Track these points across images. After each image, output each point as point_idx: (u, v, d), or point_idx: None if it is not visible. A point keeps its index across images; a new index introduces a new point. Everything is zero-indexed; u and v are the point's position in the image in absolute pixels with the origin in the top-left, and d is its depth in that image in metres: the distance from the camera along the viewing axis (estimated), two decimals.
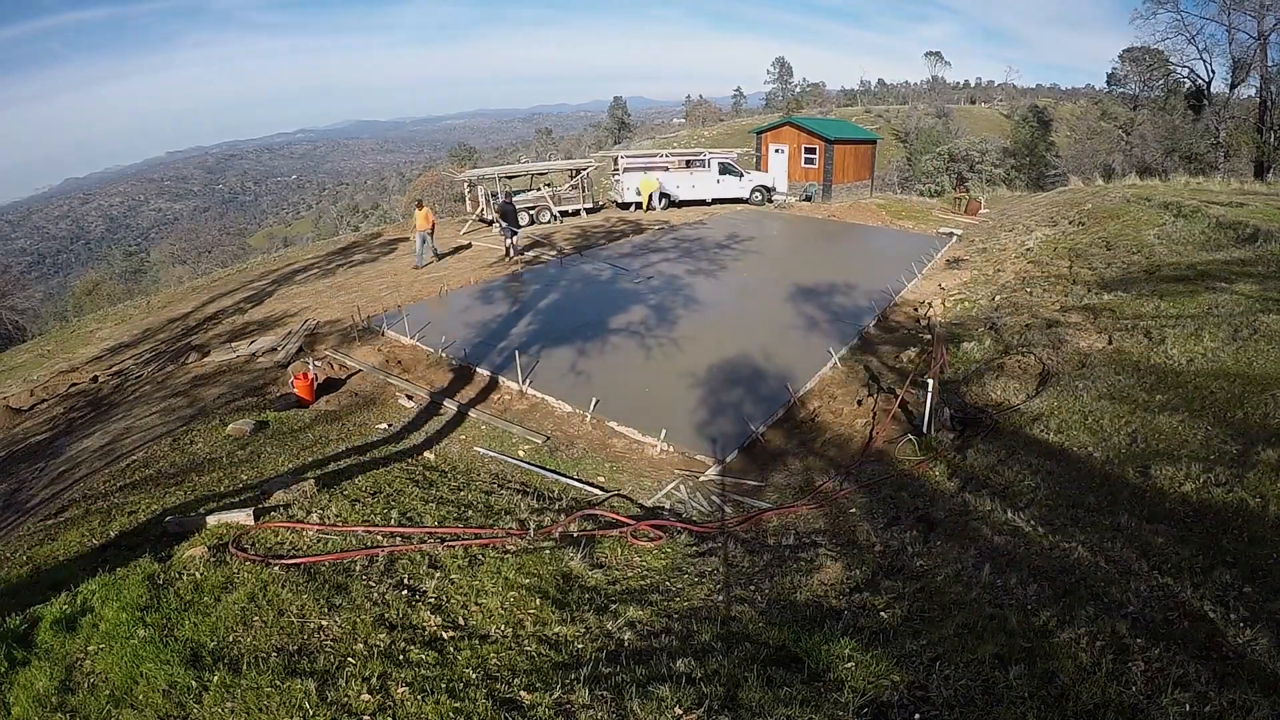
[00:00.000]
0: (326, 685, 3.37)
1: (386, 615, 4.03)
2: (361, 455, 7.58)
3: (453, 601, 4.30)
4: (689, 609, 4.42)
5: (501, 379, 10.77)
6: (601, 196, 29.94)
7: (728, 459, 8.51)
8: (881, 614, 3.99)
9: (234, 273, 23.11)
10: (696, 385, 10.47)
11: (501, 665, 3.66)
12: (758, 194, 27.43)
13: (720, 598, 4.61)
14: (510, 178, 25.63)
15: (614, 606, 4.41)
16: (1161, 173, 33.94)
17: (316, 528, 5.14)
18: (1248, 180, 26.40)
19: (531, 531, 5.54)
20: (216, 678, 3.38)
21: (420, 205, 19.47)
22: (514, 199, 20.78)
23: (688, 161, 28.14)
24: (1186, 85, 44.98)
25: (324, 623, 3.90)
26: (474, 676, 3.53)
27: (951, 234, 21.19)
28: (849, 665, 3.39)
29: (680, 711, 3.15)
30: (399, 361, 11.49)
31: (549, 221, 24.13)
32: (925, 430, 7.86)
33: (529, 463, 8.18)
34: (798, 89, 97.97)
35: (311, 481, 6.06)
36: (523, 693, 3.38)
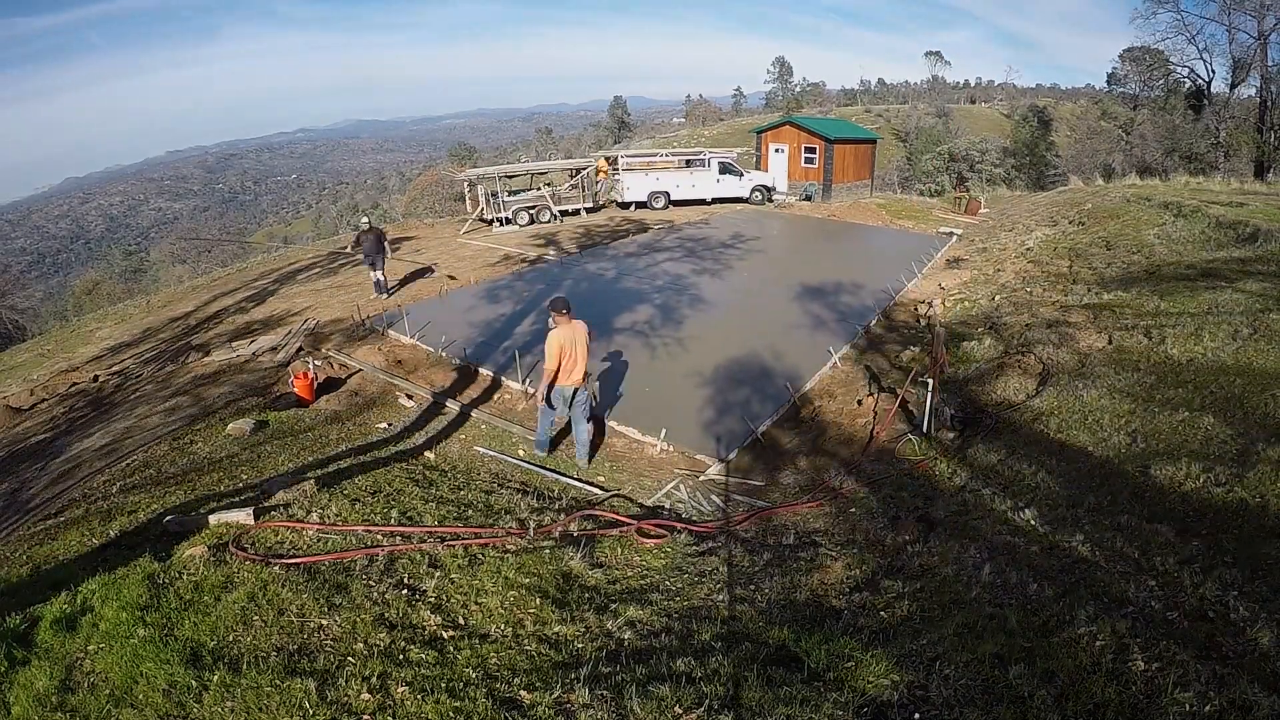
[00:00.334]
0: (326, 685, 3.37)
1: (386, 615, 4.03)
2: (361, 455, 7.57)
3: (453, 601, 4.30)
4: (689, 608, 4.42)
5: (502, 378, 10.77)
6: (602, 196, 29.96)
7: (728, 459, 8.51)
8: (881, 613, 3.99)
9: (234, 272, 23.12)
10: (696, 384, 10.48)
11: (501, 664, 3.65)
12: (758, 193, 27.44)
13: (720, 597, 4.61)
14: (510, 177, 25.63)
15: (614, 606, 4.41)
16: (1161, 172, 33.94)
17: (316, 527, 5.14)
18: (1248, 180, 26.39)
19: (531, 531, 5.54)
20: (216, 677, 3.38)
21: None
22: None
23: (688, 161, 28.14)
24: (1187, 85, 44.99)
25: (324, 622, 3.90)
26: (474, 676, 3.52)
27: (951, 234, 21.19)
28: (849, 665, 3.38)
29: (680, 711, 3.15)
30: (399, 361, 11.50)
31: (549, 221, 24.13)
32: (926, 429, 7.86)
33: (529, 462, 8.18)
34: (798, 88, 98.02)
35: (311, 481, 6.06)
36: (522, 692, 3.37)
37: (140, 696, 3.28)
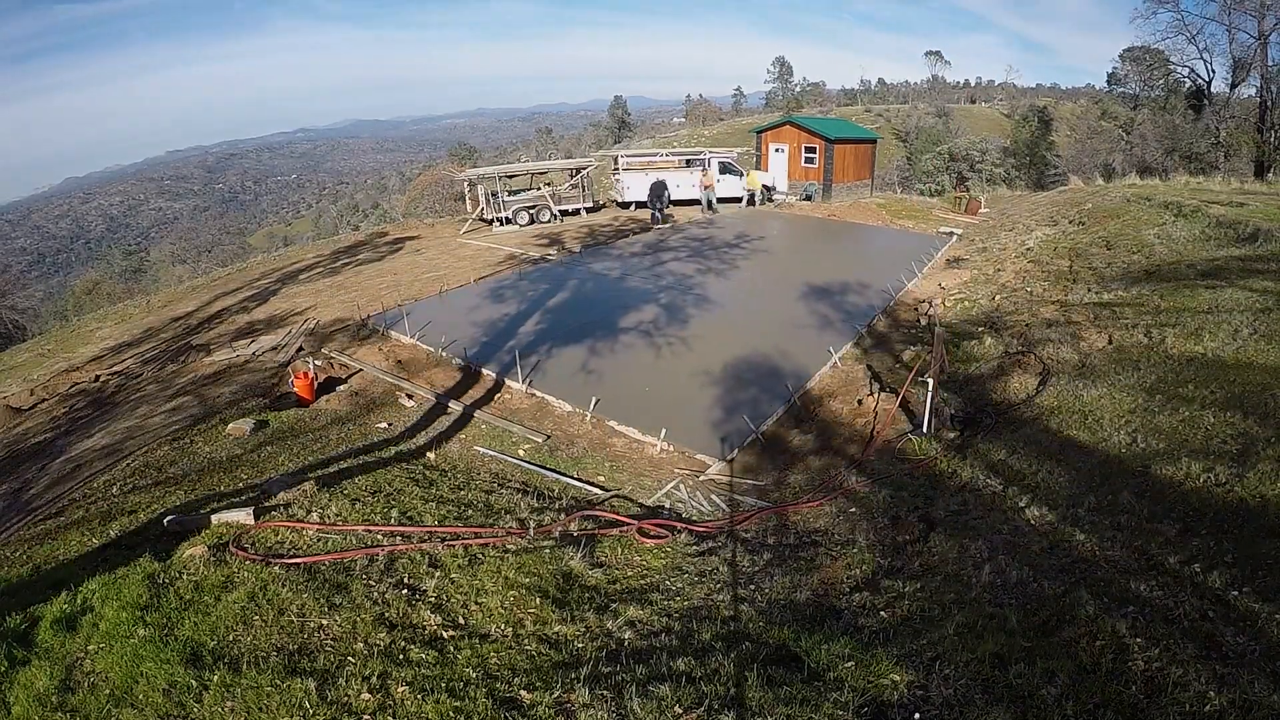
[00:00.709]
0: (326, 684, 3.37)
1: (386, 614, 4.03)
2: (361, 455, 7.58)
3: (453, 601, 4.30)
4: (689, 608, 4.42)
5: (501, 378, 10.77)
6: (602, 196, 29.94)
7: (728, 458, 8.51)
8: (882, 613, 3.99)
9: (234, 272, 23.12)
10: (696, 384, 10.47)
11: (501, 664, 3.65)
12: (758, 193, 27.42)
13: (721, 597, 4.61)
14: (510, 176, 25.63)
15: (614, 606, 4.41)
16: (1162, 172, 33.91)
17: (316, 527, 5.14)
18: (1248, 180, 26.34)
19: (531, 531, 5.54)
20: (216, 677, 3.38)
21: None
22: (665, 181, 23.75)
23: (688, 161, 28.13)
24: (1187, 85, 44.94)
25: (324, 622, 3.90)
26: (474, 676, 3.52)
27: (952, 233, 21.18)
28: (849, 664, 3.38)
29: (680, 711, 3.15)
30: (399, 361, 11.50)
31: (549, 220, 24.15)
32: (926, 429, 7.86)
33: (529, 462, 8.18)
34: (798, 88, 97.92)
35: (311, 481, 6.06)
36: (523, 692, 3.37)
37: (140, 696, 3.28)
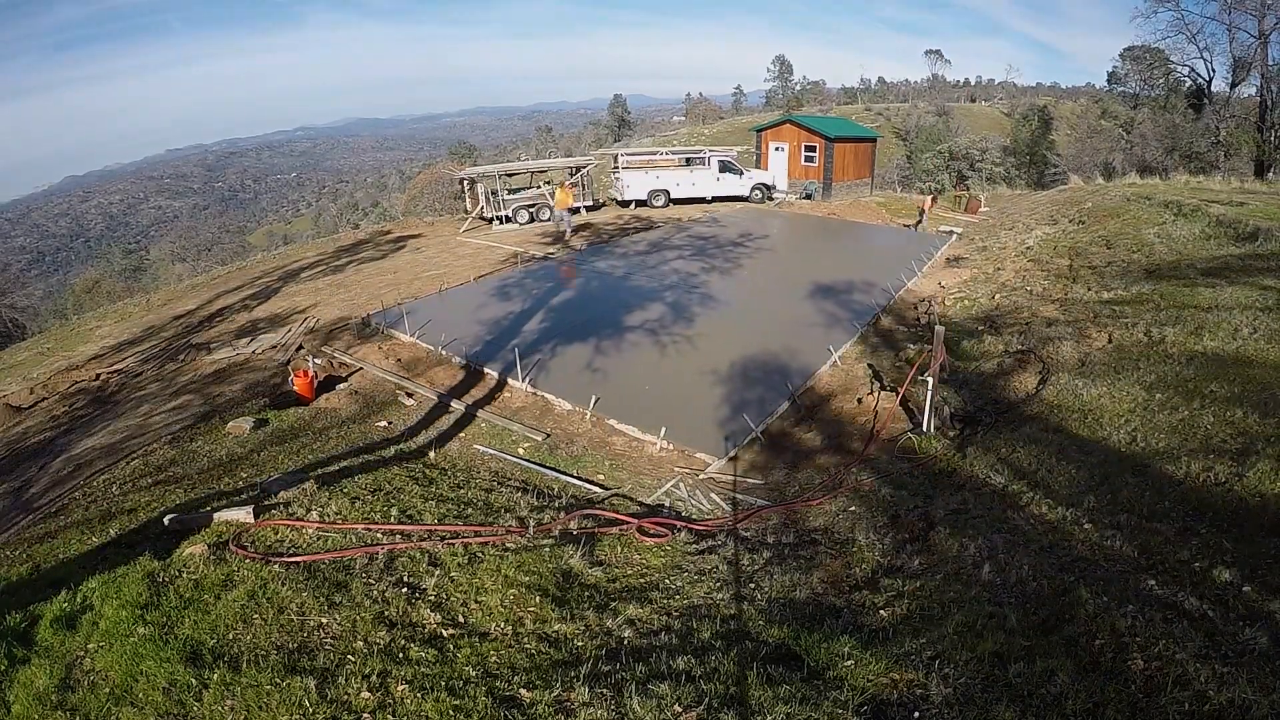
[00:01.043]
0: (326, 683, 3.37)
1: (386, 613, 4.03)
2: (361, 453, 7.58)
3: (452, 599, 4.30)
4: (688, 607, 4.42)
5: (501, 376, 10.77)
6: (601, 194, 29.93)
7: (727, 457, 8.51)
8: (881, 612, 3.99)
9: (235, 270, 23.10)
10: (696, 383, 10.47)
11: (501, 663, 3.66)
12: (758, 192, 27.41)
13: (720, 595, 4.61)
14: (510, 175, 25.61)
15: (614, 604, 4.41)
16: (1162, 171, 33.89)
17: (316, 525, 5.14)
18: (1248, 179, 26.33)
19: (531, 529, 5.54)
20: (216, 676, 3.38)
21: None
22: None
23: (688, 159, 28.10)
24: (1187, 84, 44.90)
25: (324, 620, 3.90)
26: (474, 674, 3.53)
27: (952, 232, 21.17)
28: (849, 663, 3.39)
29: (680, 709, 3.15)
30: (399, 359, 11.49)
31: (549, 219, 24.14)
32: (926, 428, 7.86)
33: (529, 460, 8.18)
34: (798, 87, 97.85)
35: (311, 479, 6.06)
36: (522, 690, 3.38)
37: (140, 695, 3.28)
